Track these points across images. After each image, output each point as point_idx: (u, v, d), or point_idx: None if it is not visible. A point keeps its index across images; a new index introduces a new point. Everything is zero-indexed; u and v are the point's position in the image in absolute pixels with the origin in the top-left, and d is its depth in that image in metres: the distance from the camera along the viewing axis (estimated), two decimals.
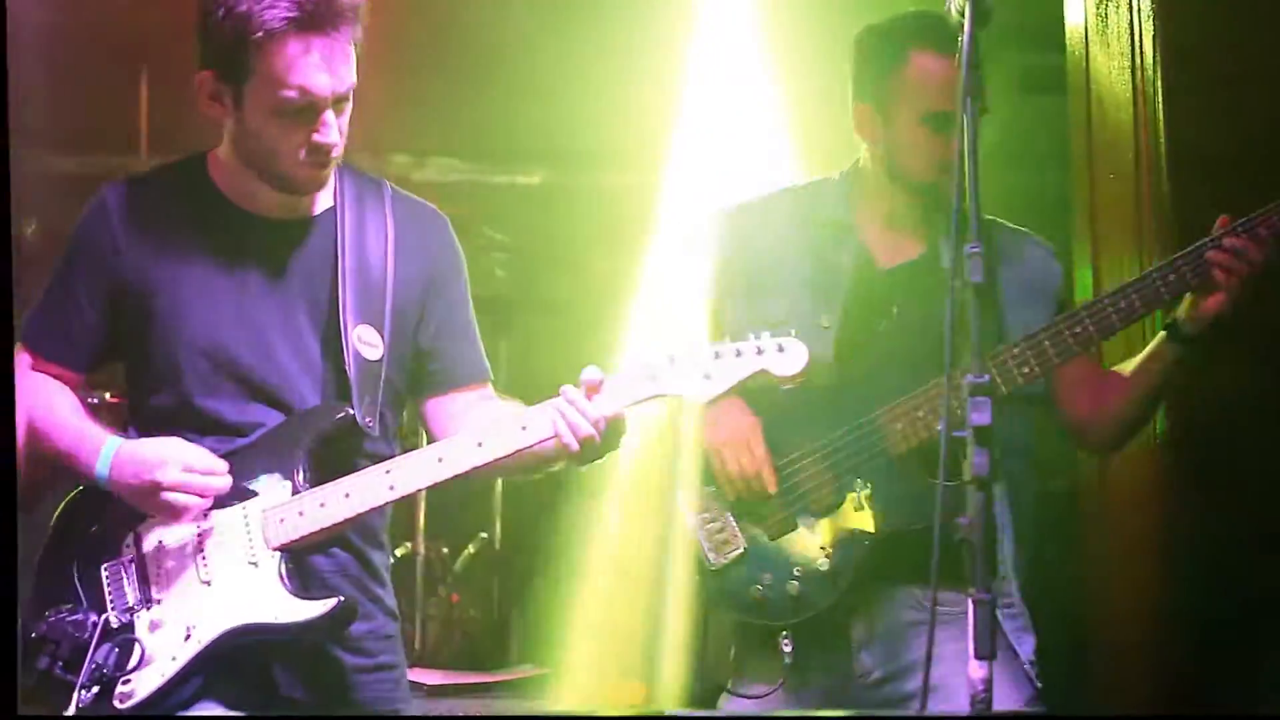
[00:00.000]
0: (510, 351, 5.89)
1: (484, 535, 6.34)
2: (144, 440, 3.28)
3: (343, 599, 3.23)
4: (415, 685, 5.26)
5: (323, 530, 3.25)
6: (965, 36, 2.82)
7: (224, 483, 3.22)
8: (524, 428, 3.23)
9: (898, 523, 3.68)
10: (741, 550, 3.75)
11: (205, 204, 3.39)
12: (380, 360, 3.37)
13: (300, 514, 3.24)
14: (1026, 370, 3.65)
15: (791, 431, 3.76)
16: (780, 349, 3.20)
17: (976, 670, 2.67)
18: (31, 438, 3.32)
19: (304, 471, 3.28)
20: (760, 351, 3.20)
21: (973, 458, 2.68)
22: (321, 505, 3.24)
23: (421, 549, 6.16)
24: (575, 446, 3.20)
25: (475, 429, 3.28)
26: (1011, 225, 3.92)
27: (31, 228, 5.98)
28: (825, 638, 3.75)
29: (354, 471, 3.28)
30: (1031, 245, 3.92)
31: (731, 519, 3.77)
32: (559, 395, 3.21)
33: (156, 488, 3.19)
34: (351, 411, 3.30)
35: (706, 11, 5.56)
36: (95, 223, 3.38)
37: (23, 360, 3.40)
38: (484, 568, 6.14)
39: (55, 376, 3.39)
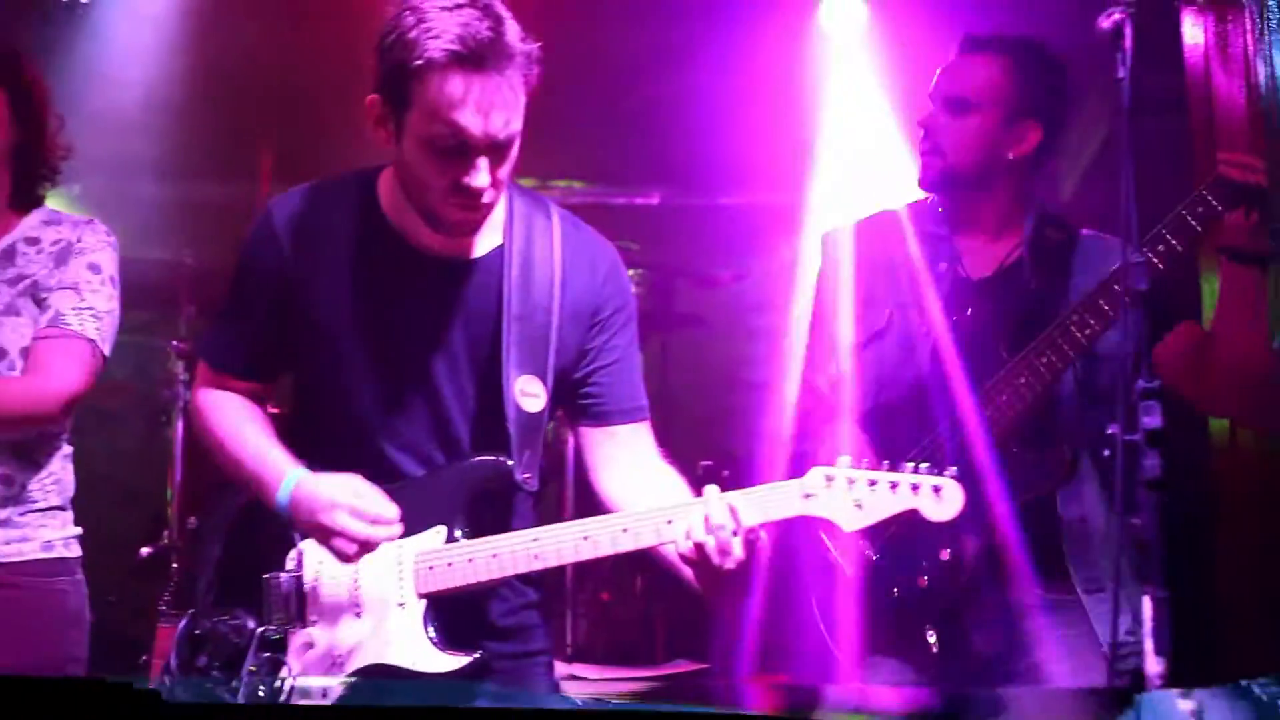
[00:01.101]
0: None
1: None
2: (322, 478, 3.17)
3: (477, 656, 3.15)
4: (577, 679, 5.36)
5: (468, 586, 3.16)
6: (1125, 58, 2.78)
7: (390, 533, 3.13)
8: (669, 522, 3.09)
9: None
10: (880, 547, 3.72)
11: (370, 226, 3.26)
12: (541, 412, 3.24)
13: (449, 565, 3.15)
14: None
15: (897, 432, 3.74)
16: (936, 491, 3.07)
17: (1154, 665, 2.60)
18: (220, 453, 3.32)
19: (460, 521, 3.19)
20: (916, 490, 3.07)
21: (1146, 459, 2.62)
22: (469, 561, 3.15)
23: None
24: (717, 561, 3.04)
25: (624, 513, 3.17)
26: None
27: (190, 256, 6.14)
28: (946, 624, 3.71)
29: (509, 519, 3.24)
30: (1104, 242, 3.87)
31: None
32: (704, 496, 3.08)
33: (326, 530, 3.13)
34: (510, 465, 3.19)
35: (824, 31, 5.60)
36: (262, 237, 3.28)
37: (205, 374, 3.40)
38: (631, 565, 6.18)
39: (235, 389, 3.36)
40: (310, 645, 3.18)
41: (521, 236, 3.27)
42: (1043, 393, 3.66)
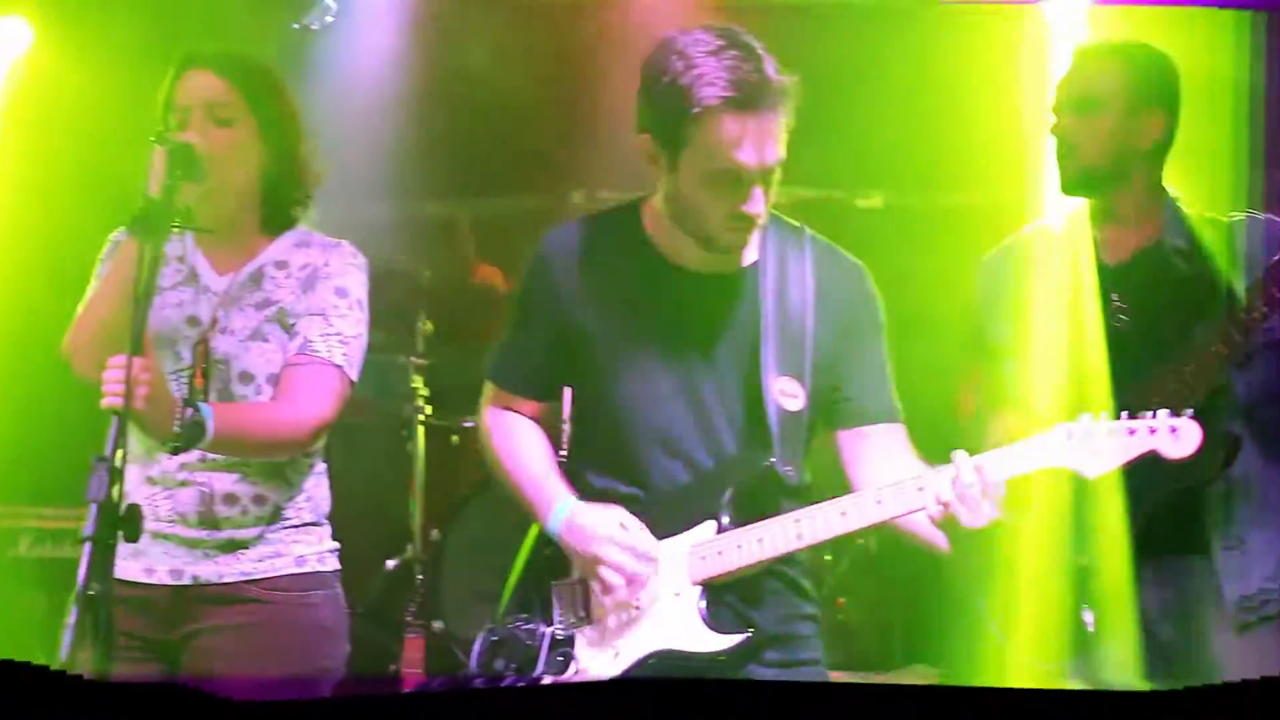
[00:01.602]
0: None
1: (861, 541, 6.31)
2: (592, 510, 3.47)
3: (750, 633, 3.40)
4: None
5: (738, 569, 3.41)
6: None
7: (650, 570, 3.41)
8: (920, 489, 3.30)
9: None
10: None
11: (638, 253, 3.53)
12: (801, 412, 3.45)
13: (719, 553, 3.40)
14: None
15: None
16: (1173, 431, 3.23)
17: None
18: (499, 473, 3.64)
19: (728, 514, 3.42)
20: (1153, 432, 3.24)
21: None
22: (738, 547, 3.39)
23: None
24: (966, 520, 3.24)
25: (876, 486, 3.37)
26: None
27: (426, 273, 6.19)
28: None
29: (773, 510, 3.41)
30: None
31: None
32: (951, 462, 3.28)
33: (595, 560, 3.42)
34: (773, 461, 3.41)
35: (1040, 31, 5.48)
36: (540, 267, 3.58)
37: (492, 394, 3.68)
38: (864, 571, 6.13)
39: (519, 408, 3.65)
40: (596, 641, 3.47)
41: (775, 252, 3.52)
42: (1211, 380, 3.77)
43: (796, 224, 3.60)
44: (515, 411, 3.66)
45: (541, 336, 3.58)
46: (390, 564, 5.99)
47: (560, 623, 3.52)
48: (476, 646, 3.59)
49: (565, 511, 3.48)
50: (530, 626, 3.53)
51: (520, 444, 3.62)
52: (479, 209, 6.77)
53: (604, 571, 3.41)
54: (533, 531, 3.61)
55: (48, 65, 5.85)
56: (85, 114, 5.43)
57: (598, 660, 3.47)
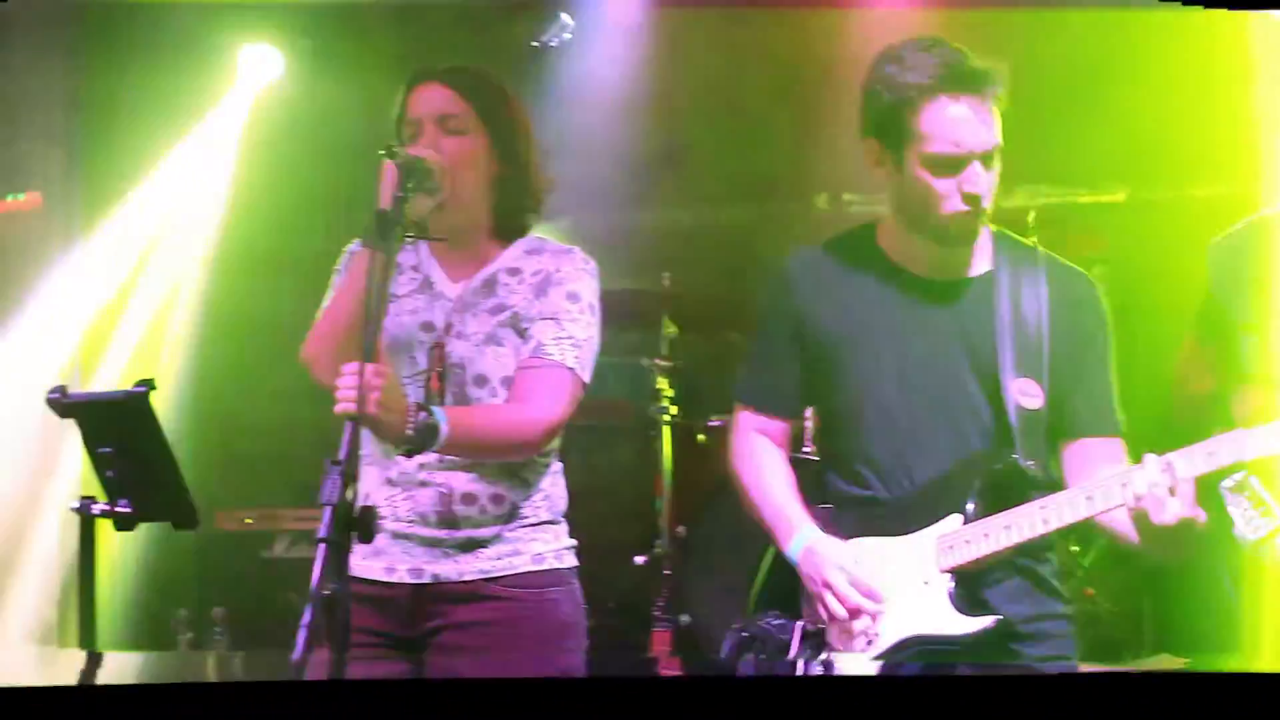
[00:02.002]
0: None
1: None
2: (829, 542, 3.61)
3: (1000, 617, 3.48)
4: None
5: (985, 556, 3.48)
6: None
7: (875, 608, 3.52)
8: (1124, 485, 3.34)
9: None
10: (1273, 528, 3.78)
11: (875, 268, 3.67)
12: (1040, 410, 3.55)
13: (967, 542, 3.49)
14: None
15: None
16: None
17: None
18: (743, 495, 3.79)
19: (973, 506, 3.52)
20: None
21: None
22: (985, 535, 3.47)
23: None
24: (1154, 516, 3.29)
25: (1120, 471, 3.40)
26: None
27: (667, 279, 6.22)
28: None
29: (1016, 502, 3.47)
30: None
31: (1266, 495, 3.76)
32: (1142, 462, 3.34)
33: (826, 588, 3.56)
34: (1015, 456, 3.51)
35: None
36: (782, 288, 3.75)
37: (739, 414, 3.84)
38: (1112, 562, 5.99)
39: (766, 427, 3.80)
40: (847, 633, 3.55)
41: (1008, 263, 3.62)
42: None
43: (1029, 241, 3.71)
44: (766, 431, 3.81)
45: (787, 355, 3.73)
46: (639, 560, 6.03)
47: (809, 618, 3.62)
48: (726, 643, 3.70)
49: (804, 541, 3.62)
50: (780, 621, 3.66)
51: (765, 472, 3.76)
52: (721, 216, 6.78)
53: (829, 600, 3.55)
54: None
55: (293, 87, 6.06)
56: (328, 132, 5.60)
57: (848, 647, 3.56)
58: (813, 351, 3.70)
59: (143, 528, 3.43)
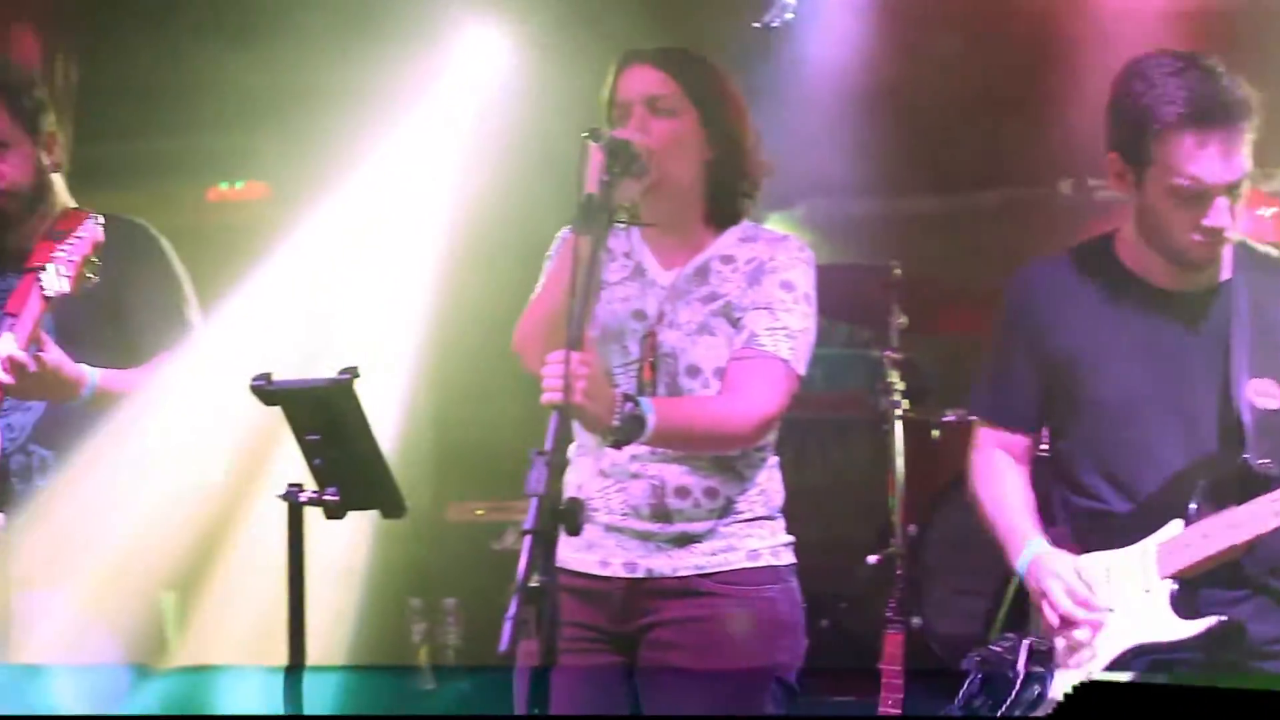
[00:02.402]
0: None
1: None
2: (1053, 554, 3.63)
3: (1224, 619, 3.45)
4: None
5: (1207, 558, 3.46)
6: None
7: (1089, 617, 3.53)
8: None
9: None
10: None
11: (1114, 278, 3.67)
12: (1278, 410, 3.52)
13: (1186, 545, 3.48)
14: None
15: None
16: None
17: None
18: (979, 509, 3.82)
19: (1196, 508, 3.50)
20: None
21: None
22: (1204, 536, 3.46)
23: None
24: None
25: None
26: None
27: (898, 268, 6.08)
28: None
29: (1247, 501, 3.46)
30: None
31: None
32: None
33: (1043, 597, 3.60)
34: (1246, 457, 3.49)
35: None
36: (1020, 301, 3.79)
37: (979, 429, 3.87)
38: None
39: (1005, 442, 3.82)
40: (1071, 646, 3.55)
41: (1249, 271, 3.61)
42: None
43: (1276, 252, 3.70)
44: (1006, 446, 3.82)
45: (1025, 369, 3.75)
46: (872, 559, 5.89)
47: (1037, 636, 3.63)
48: (966, 666, 3.74)
49: (1031, 553, 3.64)
50: (1009, 643, 3.68)
51: (1000, 490, 3.78)
52: (958, 203, 6.60)
53: (1046, 608, 3.58)
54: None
55: (514, 72, 6.05)
56: (548, 117, 5.57)
57: (1076, 665, 3.56)
58: (1050, 365, 3.70)
59: (376, 519, 3.42)
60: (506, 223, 6.14)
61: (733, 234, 3.75)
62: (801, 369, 3.67)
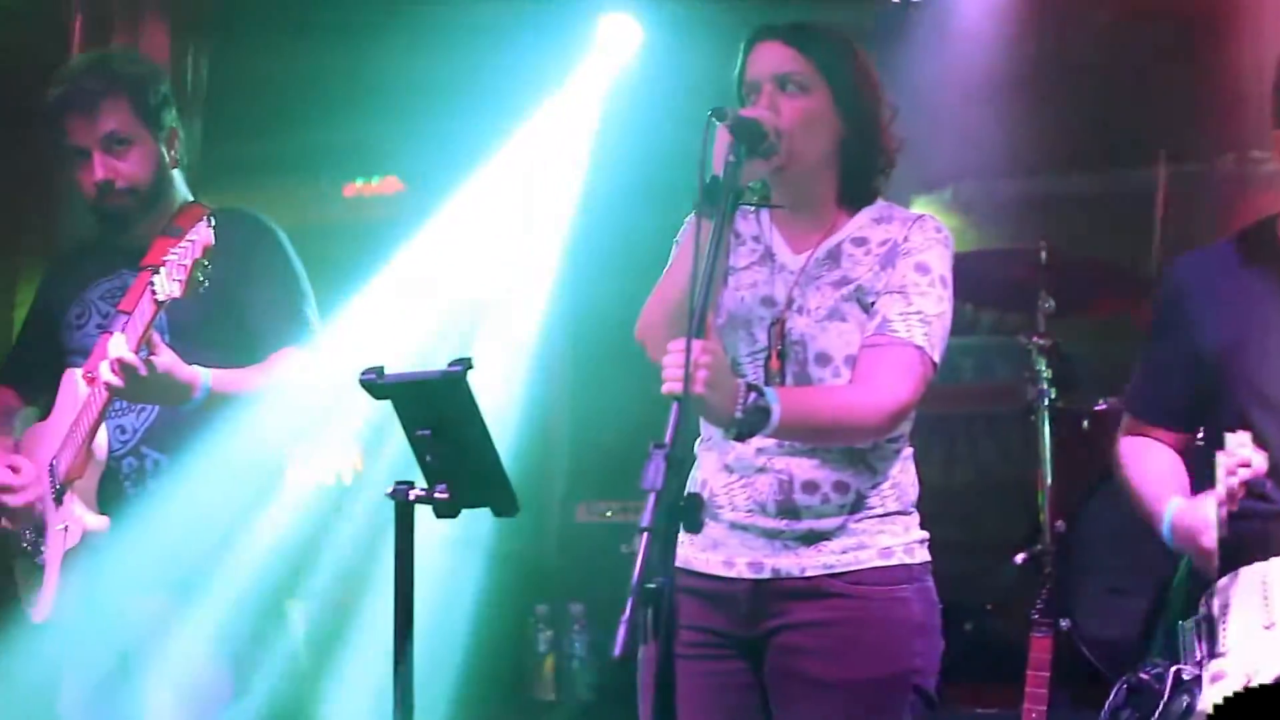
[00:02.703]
0: None
1: None
2: (1193, 502, 3.44)
3: None
4: None
5: None
6: None
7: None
8: None
9: None
10: None
11: (1274, 266, 3.51)
12: None
13: None
14: None
15: None
16: None
17: None
18: (1130, 495, 3.68)
19: None
20: None
21: None
22: None
23: None
24: None
25: None
26: None
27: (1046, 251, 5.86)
28: None
29: None
30: None
31: None
32: None
33: (1200, 550, 3.40)
34: None
35: None
36: (1173, 294, 3.68)
37: (1128, 423, 3.76)
38: None
39: (1156, 437, 3.70)
40: (1220, 676, 3.29)
41: None
42: None
43: None
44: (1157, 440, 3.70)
45: (1179, 367, 3.61)
46: (1019, 558, 5.67)
47: (1188, 660, 3.40)
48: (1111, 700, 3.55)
49: (1170, 511, 3.48)
50: (1158, 671, 3.46)
51: (1148, 463, 3.66)
52: (1108, 181, 6.37)
53: (1198, 560, 3.41)
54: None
55: (652, 58, 5.94)
56: (688, 103, 5.42)
57: (1225, 689, 3.25)
58: (1206, 360, 3.55)
59: (501, 520, 3.31)
60: (641, 210, 6.02)
61: (866, 214, 3.60)
62: (937, 356, 3.49)
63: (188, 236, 3.77)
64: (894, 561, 3.50)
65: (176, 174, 4.32)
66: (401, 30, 6.15)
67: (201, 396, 3.99)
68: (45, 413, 4.27)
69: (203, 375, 3.99)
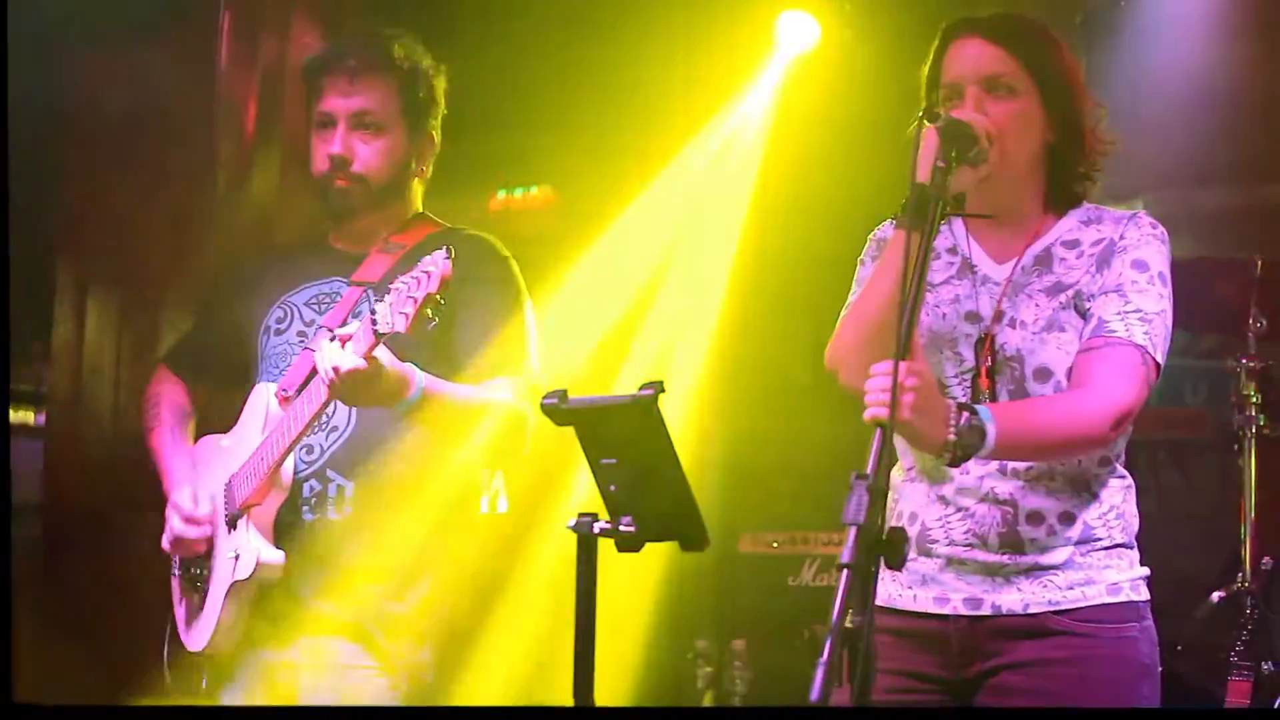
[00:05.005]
0: None
1: None
2: None
3: None
4: None
5: None
6: None
7: None
8: None
9: None
10: None
11: None
12: None
13: None
14: None
15: None
16: None
17: None
18: None
19: None
20: None
21: None
22: None
23: None
24: None
25: None
26: None
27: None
28: None
29: None
30: None
31: None
32: None
33: None
34: None
35: None
36: None
37: None
38: None
39: None
40: None
41: None
42: None
43: None
44: None
45: None
46: (1216, 596, 5.46)
47: None
48: None
49: None
50: None
51: None
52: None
53: None
54: None
55: (826, 57, 5.81)
56: (868, 105, 5.30)
57: None
58: None
59: (660, 549, 3.16)
60: (809, 224, 5.89)
61: (1073, 217, 3.48)
62: (1160, 356, 3.34)
63: (423, 267, 3.48)
64: (1122, 598, 3.37)
65: (416, 185, 4.13)
66: (557, 30, 6.06)
67: (415, 395, 3.75)
68: (203, 412, 4.14)
69: (417, 372, 3.76)
